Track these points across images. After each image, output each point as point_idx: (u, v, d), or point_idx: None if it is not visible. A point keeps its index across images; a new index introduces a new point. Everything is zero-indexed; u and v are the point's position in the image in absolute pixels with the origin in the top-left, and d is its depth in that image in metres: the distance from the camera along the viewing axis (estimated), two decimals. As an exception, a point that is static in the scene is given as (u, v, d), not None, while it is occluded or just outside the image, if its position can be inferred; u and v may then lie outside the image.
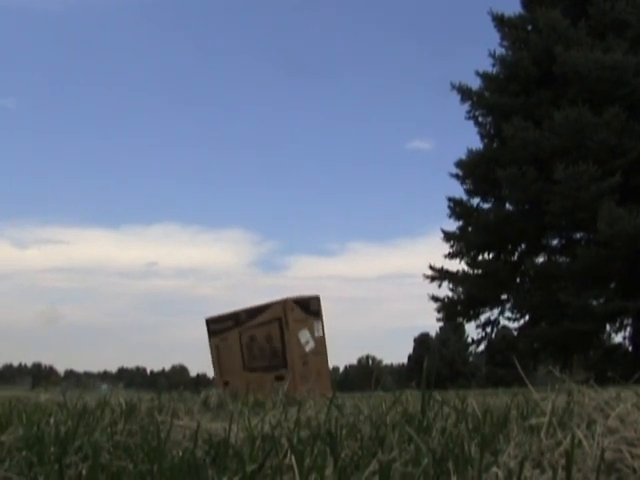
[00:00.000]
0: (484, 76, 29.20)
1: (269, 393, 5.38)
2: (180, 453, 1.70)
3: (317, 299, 8.99)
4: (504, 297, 28.90)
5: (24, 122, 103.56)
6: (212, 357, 9.65)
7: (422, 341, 66.47)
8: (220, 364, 9.52)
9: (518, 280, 29.13)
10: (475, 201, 29.47)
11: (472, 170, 28.68)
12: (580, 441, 1.48)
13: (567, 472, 1.29)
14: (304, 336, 8.64)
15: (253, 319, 9.09)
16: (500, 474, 1.46)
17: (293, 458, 1.45)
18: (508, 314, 28.90)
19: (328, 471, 1.50)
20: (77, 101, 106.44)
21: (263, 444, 1.90)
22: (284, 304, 8.77)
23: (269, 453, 1.67)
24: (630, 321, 27.00)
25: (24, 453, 1.87)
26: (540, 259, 29.09)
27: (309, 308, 8.84)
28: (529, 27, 28.46)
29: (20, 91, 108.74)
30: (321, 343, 8.78)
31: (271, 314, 8.88)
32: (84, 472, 1.73)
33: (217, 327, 9.66)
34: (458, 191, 30.90)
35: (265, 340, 8.95)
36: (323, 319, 8.95)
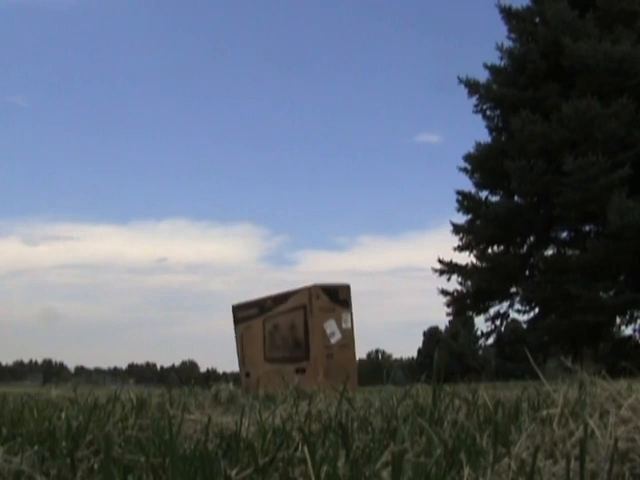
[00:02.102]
0: (492, 69, 29.11)
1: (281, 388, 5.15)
2: (192, 446, 1.70)
3: (347, 288, 8.36)
4: (513, 290, 28.85)
5: (34, 119, 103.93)
6: (237, 346, 9.06)
7: (432, 335, 66.45)
8: (243, 354, 8.92)
9: (527, 273, 29.07)
10: (484, 194, 29.42)
11: (480, 163, 28.61)
12: (593, 431, 1.47)
13: (580, 462, 1.28)
14: (330, 327, 7.98)
15: (278, 306, 8.49)
16: (513, 465, 1.45)
17: (306, 450, 1.45)
18: (518, 307, 28.87)
19: (340, 463, 1.50)
20: (87, 98, 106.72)
21: (274, 437, 1.90)
22: (310, 290, 8.18)
23: (281, 446, 1.68)
24: (640, 313, 26.93)
25: (36, 448, 1.87)
26: (549, 252, 29.03)
27: (337, 297, 8.19)
28: (537, 19, 28.33)
29: (30, 88, 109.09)
30: (349, 336, 8.15)
31: (296, 301, 8.29)
32: (96, 466, 1.73)
33: (242, 314, 9.04)
34: (467, 184, 30.84)
35: (288, 329, 8.34)
36: (352, 310, 8.28)
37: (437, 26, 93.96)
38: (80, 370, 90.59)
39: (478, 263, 28.79)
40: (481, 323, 31.68)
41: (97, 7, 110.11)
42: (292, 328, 8.26)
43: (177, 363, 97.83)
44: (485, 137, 29.60)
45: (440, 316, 30.64)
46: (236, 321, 9.11)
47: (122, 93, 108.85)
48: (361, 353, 79.68)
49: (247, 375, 8.69)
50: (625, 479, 1.37)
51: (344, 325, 8.09)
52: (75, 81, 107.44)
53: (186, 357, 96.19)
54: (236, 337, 9.07)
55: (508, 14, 28.95)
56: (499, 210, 28.09)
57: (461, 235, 28.79)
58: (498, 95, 28.46)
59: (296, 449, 1.64)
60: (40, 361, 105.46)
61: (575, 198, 24.90)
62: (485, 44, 78.69)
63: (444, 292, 28.65)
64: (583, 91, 25.32)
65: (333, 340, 7.98)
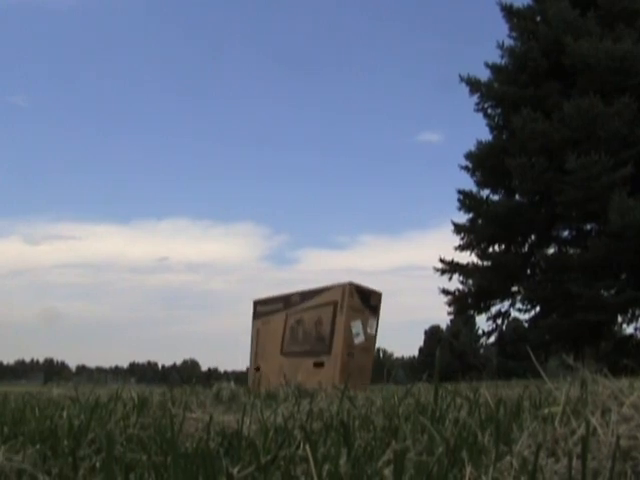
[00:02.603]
0: (493, 67, 29.08)
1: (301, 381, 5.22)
2: (194, 445, 1.70)
3: (379, 295, 8.45)
4: (515, 289, 28.83)
5: (35, 119, 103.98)
6: (251, 341, 9.13)
7: (433, 334, 66.46)
8: (257, 348, 8.97)
9: (529, 272, 29.04)
10: (485, 193, 29.39)
11: (482, 162, 28.58)
12: (595, 429, 1.47)
13: (582, 460, 1.28)
14: (357, 327, 8.05)
15: (306, 301, 8.57)
16: (515, 463, 1.45)
17: (307, 448, 1.45)
18: (519, 306, 28.83)
19: (342, 461, 1.49)
20: (87, 98, 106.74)
21: (276, 435, 1.90)
22: (344, 288, 8.24)
23: (282, 444, 1.68)
24: (642, 312, 26.91)
25: (38, 446, 1.88)
26: (551, 250, 29.01)
27: (369, 301, 8.28)
28: (538, 18, 28.30)
29: (31, 88, 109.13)
30: (371, 341, 8.24)
31: (328, 297, 8.34)
32: (98, 464, 1.73)
33: (264, 309, 9.13)
34: (468, 183, 30.83)
35: (313, 324, 8.39)
36: (379, 318, 8.38)
37: (438, 25, 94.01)
38: (81, 369, 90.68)
39: (479, 262, 28.79)
40: (482, 322, 31.70)
41: (97, 7, 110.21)
42: (318, 323, 8.32)
43: (178, 362, 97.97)
44: (486, 135, 29.62)
45: (441, 315, 30.71)
46: (255, 316, 9.18)
47: (123, 93, 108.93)
48: (363, 352, 79.44)
49: (257, 369, 8.72)
50: (627, 477, 1.37)
51: (369, 330, 8.18)
52: (75, 81, 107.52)
53: (187, 356, 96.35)
54: (252, 331, 9.13)
55: (509, 12, 28.91)
56: (500, 209, 28.06)
57: (462, 234, 28.77)
58: (499, 93, 28.43)
59: (298, 447, 1.64)
60: (41, 360, 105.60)
61: (577, 197, 24.88)
62: (486, 43, 78.72)
63: (445, 291, 28.65)
64: (584, 90, 25.28)
65: (357, 341, 8.04)
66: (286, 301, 8.88)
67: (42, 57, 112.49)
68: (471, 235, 28.76)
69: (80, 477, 1.64)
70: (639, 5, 26.10)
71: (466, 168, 28.92)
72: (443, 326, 65.97)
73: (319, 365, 7.97)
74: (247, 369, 9.20)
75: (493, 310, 29.22)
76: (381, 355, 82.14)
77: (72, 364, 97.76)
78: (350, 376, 7.35)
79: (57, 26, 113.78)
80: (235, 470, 1.48)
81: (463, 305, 29.13)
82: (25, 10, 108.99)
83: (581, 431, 1.48)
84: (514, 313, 29.54)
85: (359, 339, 8.05)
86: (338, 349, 7.95)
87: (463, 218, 28.98)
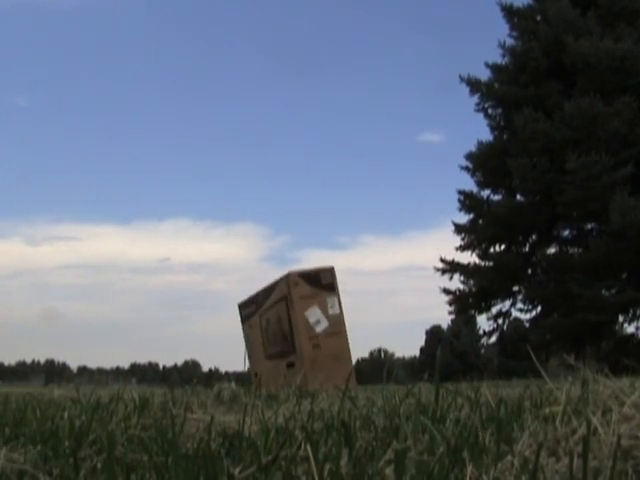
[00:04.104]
0: (493, 67, 29.09)
1: (280, 385, 4.96)
2: (195, 445, 1.70)
3: (330, 270, 7.71)
4: (516, 289, 28.84)
5: (36, 120, 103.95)
6: (245, 346, 8.52)
7: (434, 333, 66.43)
8: (251, 354, 8.39)
9: (530, 271, 29.05)
10: (486, 193, 29.40)
11: (482, 162, 28.59)
12: (596, 429, 1.47)
13: (584, 459, 1.28)
14: (314, 315, 7.36)
15: (267, 300, 7.97)
16: (516, 463, 1.45)
17: (308, 448, 1.45)
18: (520, 306, 28.86)
19: (343, 461, 1.49)
20: (88, 98, 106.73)
21: (277, 436, 1.90)
22: (287, 279, 7.62)
23: (283, 444, 1.68)
24: (643, 312, 26.90)
25: (39, 447, 1.88)
26: (552, 250, 29.02)
27: (320, 281, 7.55)
28: (538, 17, 28.31)
29: (32, 89, 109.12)
30: (338, 322, 7.49)
31: (278, 293, 7.74)
32: (99, 465, 1.73)
33: (246, 312, 8.57)
34: (469, 183, 30.83)
35: (276, 322, 7.81)
36: (339, 293, 7.60)
37: (439, 25, 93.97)
38: (82, 370, 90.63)
39: (480, 262, 28.80)
40: (483, 322, 31.69)
41: (98, 7, 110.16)
42: (279, 321, 7.76)
43: (179, 363, 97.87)
44: (487, 136, 29.63)
45: (442, 315, 30.75)
46: (242, 320, 8.69)
47: (124, 93, 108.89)
48: (364, 352, 79.71)
49: (256, 375, 8.29)
50: (628, 476, 1.37)
51: (331, 311, 7.47)
52: (77, 81, 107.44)
53: (188, 357, 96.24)
54: (244, 335, 8.67)
55: (510, 12, 28.92)
56: (501, 209, 28.06)
57: (463, 234, 28.79)
58: (500, 93, 28.44)
59: (299, 448, 1.64)
60: (42, 361, 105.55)
61: (577, 196, 24.88)
62: (487, 43, 78.62)
63: (446, 291, 28.65)
64: (585, 89, 25.28)
65: (319, 329, 7.39)
66: (256, 302, 8.38)
67: (43, 58, 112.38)
68: (472, 235, 28.76)
69: (81, 478, 1.64)
70: (639, 4, 26.10)
71: (467, 168, 28.94)
72: (444, 326, 65.96)
73: (291, 366, 7.45)
74: (248, 371, 8.82)
75: (494, 310, 29.27)
76: (382, 355, 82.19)
77: (73, 365, 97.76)
78: (324, 367, 6.96)
79: (58, 26, 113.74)
80: (236, 470, 1.48)
81: (464, 305, 29.14)
82: (26, 10, 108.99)
83: (582, 430, 1.48)
84: (515, 313, 29.59)
85: (321, 326, 7.41)
86: (300, 345, 7.35)
87: (464, 218, 29.02)
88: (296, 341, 7.42)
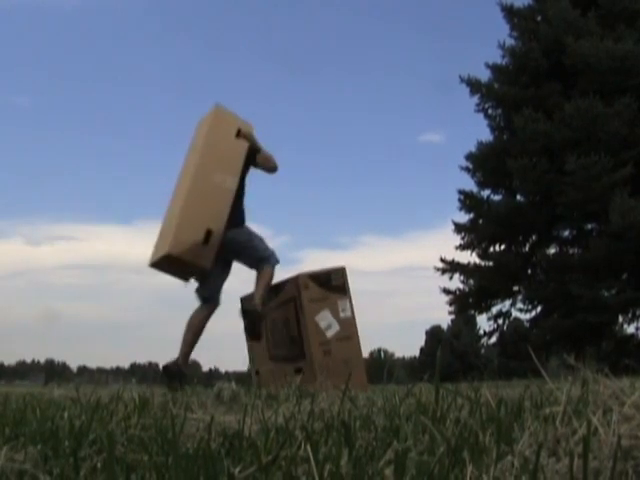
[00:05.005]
0: (493, 68, 29.09)
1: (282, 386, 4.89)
2: (195, 445, 1.70)
3: (341, 271, 7.39)
4: (516, 289, 28.83)
5: (37, 120, 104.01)
6: (246, 341, 8.08)
7: (434, 334, 66.48)
8: (253, 350, 8.03)
9: (530, 272, 29.05)
10: (486, 193, 29.40)
11: (482, 162, 28.60)
12: (596, 429, 1.47)
13: (584, 460, 1.28)
14: (325, 319, 7.10)
15: (274, 299, 7.59)
16: (516, 463, 1.45)
17: (308, 448, 1.45)
18: (520, 306, 28.84)
19: (343, 461, 1.49)
20: (89, 98, 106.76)
21: (277, 436, 1.90)
22: (297, 280, 7.27)
23: (283, 444, 1.67)
24: (643, 312, 26.90)
25: (39, 447, 1.88)
26: (552, 250, 29.02)
27: (330, 283, 7.26)
28: (538, 18, 28.31)
29: (33, 89, 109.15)
30: (349, 325, 7.20)
31: (286, 293, 7.41)
32: (99, 465, 1.73)
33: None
34: (469, 183, 30.84)
35: (283, 324, 7.50)
36: (351, 295, 7.31)
37: (438, 25, 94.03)
38: (83, 370, 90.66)
39: (480, 262, 28.79)
40: (483, 322, 31.68)
41: (100, 7, 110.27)
42: (286, 324, 7.44)
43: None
44: (487, 136, 29.63)
45: (442, 315, 30.77)
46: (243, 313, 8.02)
47: (125, 93, 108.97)
48: (364, 352, 79.64)
49: (257, 373, 8.06)
50: (628, 476, 1.37)
51: (342, 314, 7.18)
52: (78, 81, 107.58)
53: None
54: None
55: (510, 13, 28.93)
56: (501, 209, 28.07)
57: (463, 234, 28.79)
58: (500, 94, 28.44)
59: (299, 448, 1.64)
60: (42, 361, 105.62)
61: (577, 197, 24.88)
62: (487, 43, 78.69)
63: (446, 291, 28.65)
64: (585, 90, 25.28)
65: (330, 334, 7.09)
66: None
67: (44, 57, 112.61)
68: (472, 235, 28.76)
69: (81, 477, 1.64)
70: (639, 5, 26.11)
71: (467, 169, 28.94)
72: (444, 326, 66.00)
73: (299, 372, 7.02)
74: (249, 369, 8.58)
75: (494, 310, 29.25)
76: (382, 355, 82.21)
77: (73, 365, 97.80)
78: (336, 374, 6.50)
79: (59, 26, 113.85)
80: (236, 470, 1.48)
81: (464, 305, 29.14)
82: (27, 11, 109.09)
83: (582, 431, 1.48)
84: (515, 313, 29.57)
85: (332, 330, 7.11)
86: (310, 351, 7.05)
87: (464, 218, 29.02)
88: (306, 347, 7.13)
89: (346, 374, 6.50)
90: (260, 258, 7.50)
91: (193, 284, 7.56)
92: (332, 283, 7.28)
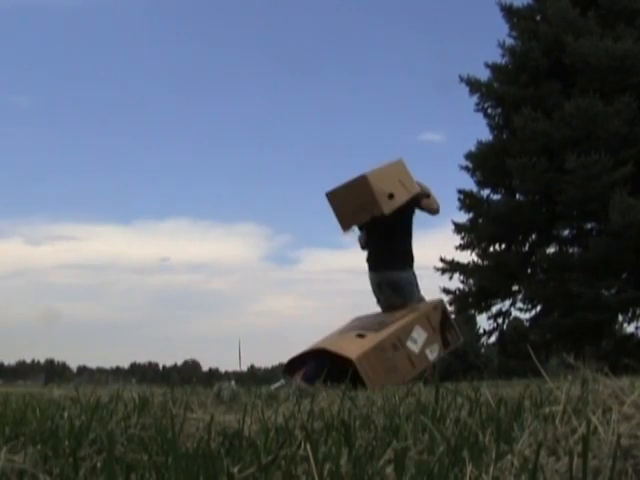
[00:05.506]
0: (493, 67, 29.08)
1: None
2: (194, 445, 1.70)
3: (458, 338, 8.02)
4: (515, 288, 28.82)
5: (37, 119, 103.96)
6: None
7: (434, 333, 66.34)
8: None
9: (529, 271, 29.03)
10: (485, 192, 29.38)
11: (482, 162, 28.58)
12: (596, 428, 1.47)
13: (583, 459, 1.28)
14: (418, 335, 7.47)
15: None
16: (515, 462, 1.45)
17: (308, 448, 1.45)
18: (520, 305, 28.82)
19: (343, 460, 1.50)
20: (89, 98, 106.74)
21: (277, 435, 1.90)
22: (436, 303, 8.04)
23: (283, 444, 1.68)
24: (642, 311, 26.90)
25: (39, 447, 1.88)
26: (551, 250, 28.99)
27: (445, 329, 7.82)
28: (538, 17, 28.30)
29: (33, 89, 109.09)
30: (421, 360, 7.51)
31: (421, 309, 7.88)
32: (99, 465, 1.73)
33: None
34: (469, 182, 30.80)
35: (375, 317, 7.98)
36: (442, 353, 7.78)
37: (438, 25, 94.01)
38: (82, 370, 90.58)
39: (480, 261, 28.77)
40: (483, 321, 31.64)
41: (100, 6, 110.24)
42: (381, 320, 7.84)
43: (179, 362, 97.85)
44: (487, 135, 29.60)
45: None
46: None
47: (125, 92, 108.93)
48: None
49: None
50: (628, 475, 1.37)
51: (427, 351, 7.55)
52: (78, 80, 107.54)
53: (188, 356, 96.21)
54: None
55: (509, 12, 28.92)
56: (501, 208, 28.06)
57: (463, 234, 28.77)
58: (499, 93, 28.43)
59: (299, 447, 1.64)
60: (42, 361, 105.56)
61: (577, 196, 24.86)
62: (486, 43, 78.65)
63: (446, 290, 28.62)
64: (585, 89, 25.27)
65: (410, 346, 7.39)
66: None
67: (45, 57, 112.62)
68: (472, 234, 28.74)
69: (81, 477, 1.64)
70: (639, 4, 26.10)
71: (466, 168, 28.92)
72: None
73: (361, 336, 7.38)
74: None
75: (494, 309, 29.24)
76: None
77: (73, 365, 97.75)
78: (378, 366, 6.95)
79: (59, 25, 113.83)
80: (236, 470, 1.48)
81: (464, 304, 29.12)
82: (28, 10, 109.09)
83: (582, 430, 1.48)
84: (515, 312, 29.56)
85: (412, 348, 7.39)
86: (387, 333, 7.31)
87: (464, 218, 29.00)
88: (387, 329, 7.45)
89: (384, 374, 7.01)
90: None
91: None
92: (446, 332, 7.82)
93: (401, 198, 7.93)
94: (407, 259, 8.18)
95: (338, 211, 8.17)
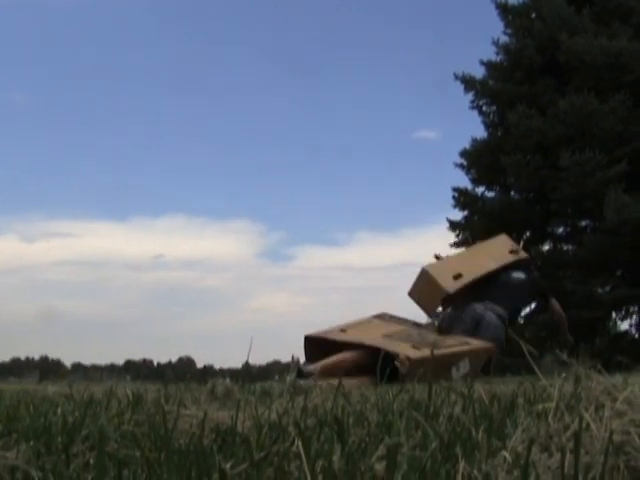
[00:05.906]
0: (488, 65, 29.06)
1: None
2: (187, 441, 1.70)
3: (490, 359, 8.84)
4: (510, 285, 28.80)
5: (33, 117, 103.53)
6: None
7: (428, 330, 66.44)
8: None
9: (524, 268, 29.02)
10: (480, 190, 29.35)
11: (476, 159, 28.55)
12: (588, 424, 1.47)
13: (575, 455, 1.28)
14: (464, 368, 8.05)
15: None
16: (508, 458, 1.45)
17: (301, 444, 1.45)
18: (514, 302, 28.81)
19: (335, 457, 1.49)
20: (85, 96, 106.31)
21: (270, 432, 1.90)
22: (490, 347, 9.02)
23: (276, 440, 1.68)
24: (636, 309, 26.89)
25: (32, 443, 1.88)
26: (546, 247, 28.98)
27: (489, 367, 8.46)
28: (533, 15, 28.31)
29: (30, 86, 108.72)
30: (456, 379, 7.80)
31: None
32: (91, 461, 1.73)
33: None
34: (463, 180, 30.70)
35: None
36: (468, 373, 8.05)
37: (433, 23, 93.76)
38: (77, 366, 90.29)
39: (475, 259, 28.76)
40: (478, 319, 31.65)
41: (99, 4, 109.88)
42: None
43: (174, 359, 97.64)
44: (481, 133, 29.58)
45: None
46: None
47: (121, 90, 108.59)
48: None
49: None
50: (620, 471, 1.37)
51: (459, 371, 8.09)
52: (76, 79, 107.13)
53: (183, 353, 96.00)
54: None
55: (504, 10, 28.90)
56: (495, 206, 28.05)
57: (457, 231, 28.76)
58: (494, 91, 28.41)
59: (292, 443, 1.64)
60: (37, 358, 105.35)
61: (571, 194, 24.87)
62: (481, 40, 78.50)
63: (441, 288, 28.59)
64: (579, 87, 25.27)
65: (452, 372, 7.81)
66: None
67: (41, 54, 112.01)
68: (466, 232, 28.72)
69: (73, 473, 1.63)
70: (634, 2, 26.11)
71: (461, 165, 28.91)
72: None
73: (416, 348, 7.96)
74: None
75: (488, 307, 29.22)
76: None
77: (68, 362, 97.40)
78: (417, 366, 7.16)
79: (58, 23, 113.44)
80: (228, 466, 1.48)
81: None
82: (25, 7, 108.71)
83: (574, 426, 1.48)
84: (509, 310, 29.55)
85: (455, 373, 7.82)
86: (442, 352, 7.91)
87: (458, 215, 28.97)
88: (445, 341, 8.50)
89: (418, 374, 7.26)
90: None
91: None
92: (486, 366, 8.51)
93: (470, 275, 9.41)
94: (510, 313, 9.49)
95: (420, 305, 9.89)
